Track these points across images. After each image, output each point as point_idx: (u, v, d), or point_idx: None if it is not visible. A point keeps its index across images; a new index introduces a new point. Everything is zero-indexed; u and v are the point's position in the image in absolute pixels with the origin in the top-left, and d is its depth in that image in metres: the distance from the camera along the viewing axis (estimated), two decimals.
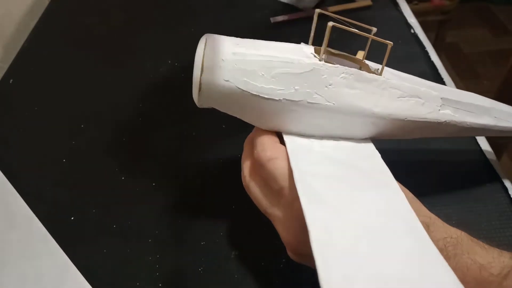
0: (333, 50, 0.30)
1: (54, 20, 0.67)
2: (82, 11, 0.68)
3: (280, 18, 0.57)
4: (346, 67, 0.28)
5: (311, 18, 0.30)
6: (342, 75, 0.27)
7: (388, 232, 0.23)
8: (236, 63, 0.27)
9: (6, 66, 0.59)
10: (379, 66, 0.30)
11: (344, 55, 0.31)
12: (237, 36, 0.29)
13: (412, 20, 0.58)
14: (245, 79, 0.27)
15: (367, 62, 0.30)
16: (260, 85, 0.27)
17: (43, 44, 0.62)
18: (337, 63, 0.28)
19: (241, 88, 0.26)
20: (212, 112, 0.48)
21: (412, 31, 0.56)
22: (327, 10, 0.56)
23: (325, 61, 0.28)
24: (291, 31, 0.55)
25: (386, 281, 0.20)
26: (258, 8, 0.59)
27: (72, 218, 0.40)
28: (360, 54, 0.31)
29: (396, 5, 0.57)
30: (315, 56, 0.28)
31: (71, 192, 0.43)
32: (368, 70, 0.29)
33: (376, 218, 0.23)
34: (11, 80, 0.57)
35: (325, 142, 0.29)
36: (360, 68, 0.30)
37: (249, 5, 0.60)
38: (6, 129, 0.51)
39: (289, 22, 0.56)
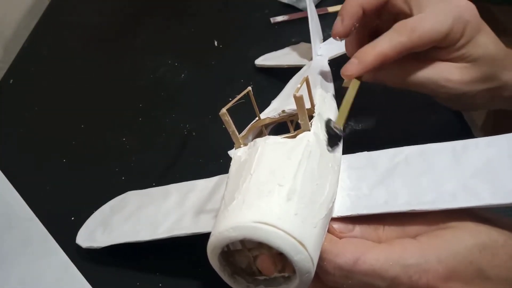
0: (244, 133, 0.30)
1: (54, 20, 0.67)
2: (82, 11, 0.68)
3: (280, 18, 0.57)
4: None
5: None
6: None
7: None
8: None
9: (6, 66, 0.59)
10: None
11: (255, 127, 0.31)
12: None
13: None
14: None
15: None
16: None
17: (43, 44, 0.62)
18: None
19: None
20: (212, 112, 0.48)
21: None
22: (326, 11, 0.56)
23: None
24: (291, 31, 0.55)
25: None
26: (258, 8, 0.59)
27: (72, 218, 0.40)
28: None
29: None
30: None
31: (71, 192, 0.43)
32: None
33: None
34: (11, 80, 0.57)
35: None
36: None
37: (249, 5, 0.60)
38: (6, 129, 0.51)
39: (289, 22, 0.56)
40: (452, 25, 0.30)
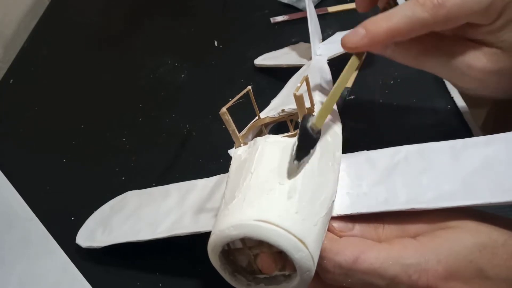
0: (244, 132, 0.30)
1: (54, 20, 0.67)
2: (82, 11, 0.68)
3: (280, 18, 0.57)
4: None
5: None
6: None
7: None
8: None
9: (6, 66, 0.59)
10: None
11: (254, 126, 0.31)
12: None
13: None
14: None
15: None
16: None
17: (43, 44, 0.62)
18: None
19: None
20: (212, 112, 0.48)
21: None
22: (326, 11, 0.56)
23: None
24: (291, 31, 0.55)
25: None
26: (258, 8, 0.59)
27: (72, 218, 0.40)
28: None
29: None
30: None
31: (71, 192, 0.43)
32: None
33: None
34: (11, 80, 0.58)
35: None
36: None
37: (249, 5, 0.60)
38: (6, 129, 0.51)
39: (289, 22, 0.56)
40: (491, 2, 0.24)
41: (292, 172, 0.22)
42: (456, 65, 0.27)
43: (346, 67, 0.27)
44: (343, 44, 0.26)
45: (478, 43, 0.26)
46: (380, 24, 0.25)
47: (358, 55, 0.27)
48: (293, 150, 0.23)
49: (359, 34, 0.26)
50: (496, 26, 0.25)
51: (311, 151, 0.23)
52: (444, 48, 0.27)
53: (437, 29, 0.26)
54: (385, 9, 0.29)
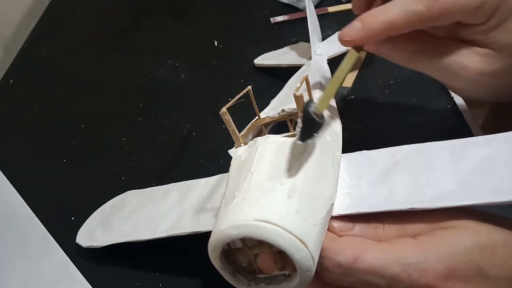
0: (244, 132, 0.30)
1: (54, 20, 0.67)
2: (82, 11, 0.68)
3: (280, 18, 0.57)
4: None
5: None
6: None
7: None
8: None
9: (6, 66, 0.60)
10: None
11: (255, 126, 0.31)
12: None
13: None
14: None
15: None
16: None
17: (43, 44, 0.63)
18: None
19: None
20: (212, 112, 0.48)
21: None
22: (326, 11, 0.56)
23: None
24: (291, 31, 0.55)
25: None
26: (258, 8, 0.59)
27: (72, 218, 0.40)
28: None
29: None
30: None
31: (71, 192, 0.43)
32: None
33: None
34: (11, 80, 0.58)
35: None
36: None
37: (249, 5, 0.60)
38: (6, 129, 0.52)
39: (289, 22, 0.56)
40: (484, 0, 0.25)
41: (292, 167, 0.22)
42: (450, 65, 0.27)
43: (345, 59, 0.27)
44: (340, 37, 0.27)
45: (472, 44, 0.27)
46: (376, 17, 0.26)
47: (356, 49, 0.28)
48: (297, 131, 0.23)
49: (355, 27, 0.26)
50: (489, 26, 0.26)
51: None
52: (438, 48, 0.27)
53: (432, 24, 0.26)
54: None
